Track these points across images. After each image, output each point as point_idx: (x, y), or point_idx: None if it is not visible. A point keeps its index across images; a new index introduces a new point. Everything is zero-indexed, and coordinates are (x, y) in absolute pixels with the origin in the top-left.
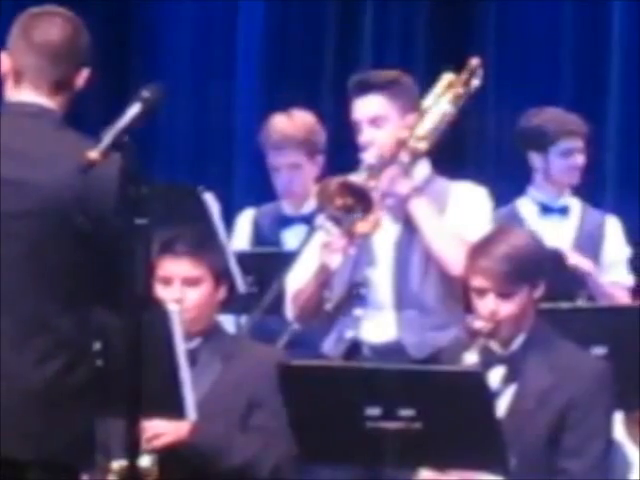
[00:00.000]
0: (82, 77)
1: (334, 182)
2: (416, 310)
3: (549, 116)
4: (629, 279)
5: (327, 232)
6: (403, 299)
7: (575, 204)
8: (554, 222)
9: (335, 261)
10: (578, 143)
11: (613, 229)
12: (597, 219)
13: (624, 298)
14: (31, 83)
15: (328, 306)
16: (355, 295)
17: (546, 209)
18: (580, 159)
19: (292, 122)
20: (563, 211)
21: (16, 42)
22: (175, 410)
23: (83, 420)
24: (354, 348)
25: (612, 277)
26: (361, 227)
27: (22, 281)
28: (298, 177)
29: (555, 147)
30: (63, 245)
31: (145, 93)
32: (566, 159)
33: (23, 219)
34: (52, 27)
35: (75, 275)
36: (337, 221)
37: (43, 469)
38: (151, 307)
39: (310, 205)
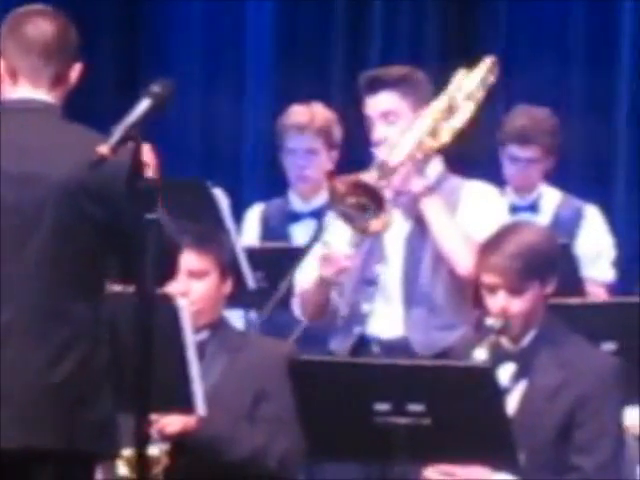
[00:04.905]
0: (75, 72)
1: (346, 180)
2: (425, 308)
3: (518, 117)
4: (609, 274)
5: (338, 230)
6: (412, 296)
7: (551, 196)
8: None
9: (333, 275)
10: (528, 152)
11: (591, 220)
12: (574, 210)
13: (601, 296)
14: (29, 81)
15: (344, 310)
16: (364, 291)
17: (515, 208)
18: (531, 168)
19: (313, 110)
20: (532, 208)
21: (6, 43)
22: (185, 405)
23: (104, 409)
24: (361, 344)
25: (590, 272)
26: (374, 225)
27: (40, 273)
28: (313, 163)
29: (504, 150)
30: (79, 235)
31: (155, 88)
32: (514, 165)
33: (39, 212)
34: (43, 25)
35: (91, 265)
36: (349, 219)
37: (61, 459)
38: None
39: (319, 200)
